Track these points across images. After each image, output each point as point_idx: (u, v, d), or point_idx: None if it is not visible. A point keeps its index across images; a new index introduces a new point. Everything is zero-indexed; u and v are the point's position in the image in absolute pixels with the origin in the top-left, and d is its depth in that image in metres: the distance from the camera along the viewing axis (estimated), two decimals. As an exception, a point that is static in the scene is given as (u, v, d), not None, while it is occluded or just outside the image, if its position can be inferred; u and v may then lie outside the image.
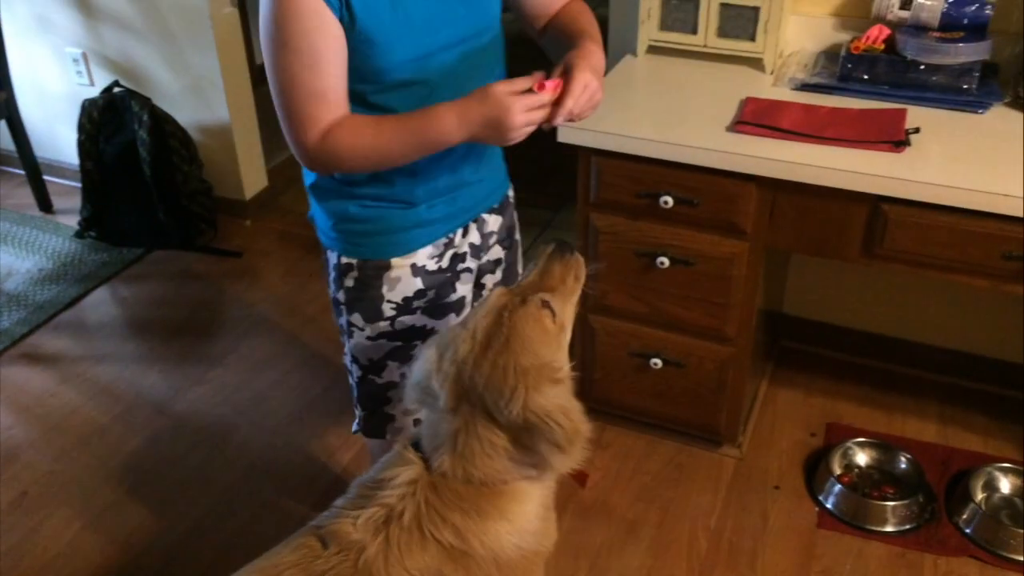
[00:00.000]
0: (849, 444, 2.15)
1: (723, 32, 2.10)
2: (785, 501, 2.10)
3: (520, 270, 1.72)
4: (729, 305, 1.97)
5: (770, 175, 1.77)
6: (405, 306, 1.51)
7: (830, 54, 2.10)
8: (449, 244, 1.53)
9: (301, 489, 2.16)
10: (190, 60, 2.98)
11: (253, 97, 3.17)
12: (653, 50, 2.20)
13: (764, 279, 2.02)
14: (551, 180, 3.52)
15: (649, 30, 2.16)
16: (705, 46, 2.13)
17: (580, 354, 2.20)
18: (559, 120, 1.30)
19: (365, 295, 1.50)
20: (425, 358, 1.26)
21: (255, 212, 3.26)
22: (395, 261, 1.48)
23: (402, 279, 1.49)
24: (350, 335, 1.56)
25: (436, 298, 1.54)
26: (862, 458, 2.15)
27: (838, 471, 2.10)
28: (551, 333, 1.25)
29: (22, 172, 3.28)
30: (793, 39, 2.16)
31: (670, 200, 1.89)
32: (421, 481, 1.24)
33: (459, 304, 1.58)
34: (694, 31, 2.13)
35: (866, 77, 1.97)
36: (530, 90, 1.28)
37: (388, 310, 1.51)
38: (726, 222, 1.88)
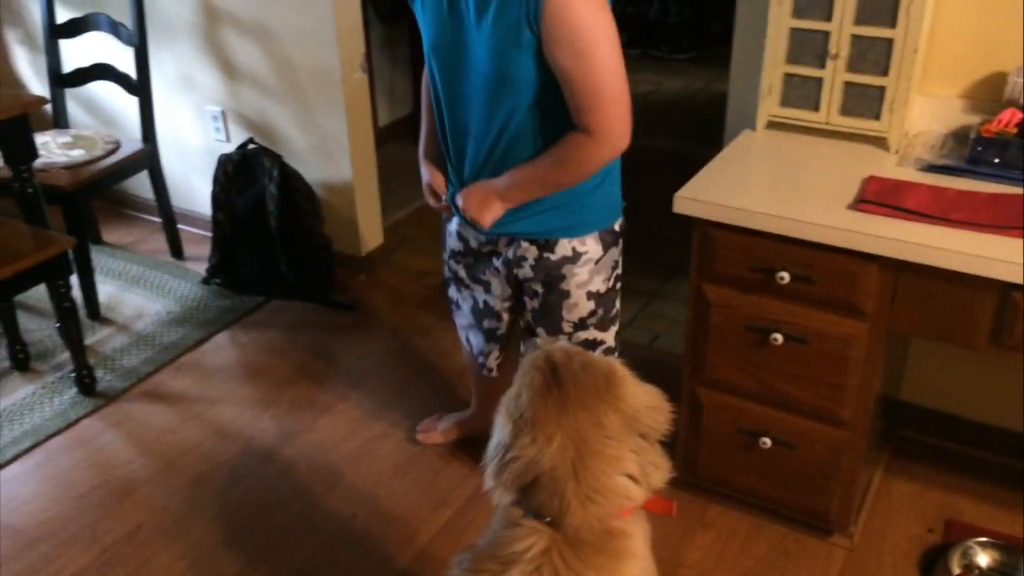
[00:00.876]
0: (970, 543, 2.04)
1: (846, 110, 2.09)
2: (898, 597, 2.00)
3: (564, 318, 1.92)
4: (845, 387, 1.92)
5: (894, 256, 1.73)
6: (451, 256, 2.05)
7: (958, 136, 2.05)
8: (489, 241, 1.93)
9: (402, 543, 2.18)
10: (320, 120, 3.14)
11: (375, 157, 3.30)
12: (773, 125, 2.20)
13: (883, 362, 1.96)
14: (661, 251, 3.52)
15: (770, 105, 2.17)
16: (827, 123, 2.12)
17: (685, 428, 2.17)
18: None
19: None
20: (501, 428, 1.31)
21: (370, 267, 3.37)
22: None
23: (451, 234, 2.02)
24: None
25: (474, 265, 2.01)
26: (983, 559, 2.03)
27: (957, 571, 1.99)
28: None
29: (159, 220, 3.48)
30: (919, 119, 2.13)
31: (786, 276, 1.86)
32: (554, 549, 1.23)
33: (487, 285, 2.02)
34: (816, 108, 2.12)
35: (997, 161, 1.91)
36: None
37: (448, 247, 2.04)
38: (845, 301, 1.84)
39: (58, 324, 2.67)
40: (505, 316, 2.07)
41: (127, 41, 3.12)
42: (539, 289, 1.90)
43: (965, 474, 2.31)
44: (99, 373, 2.79)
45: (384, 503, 2.31)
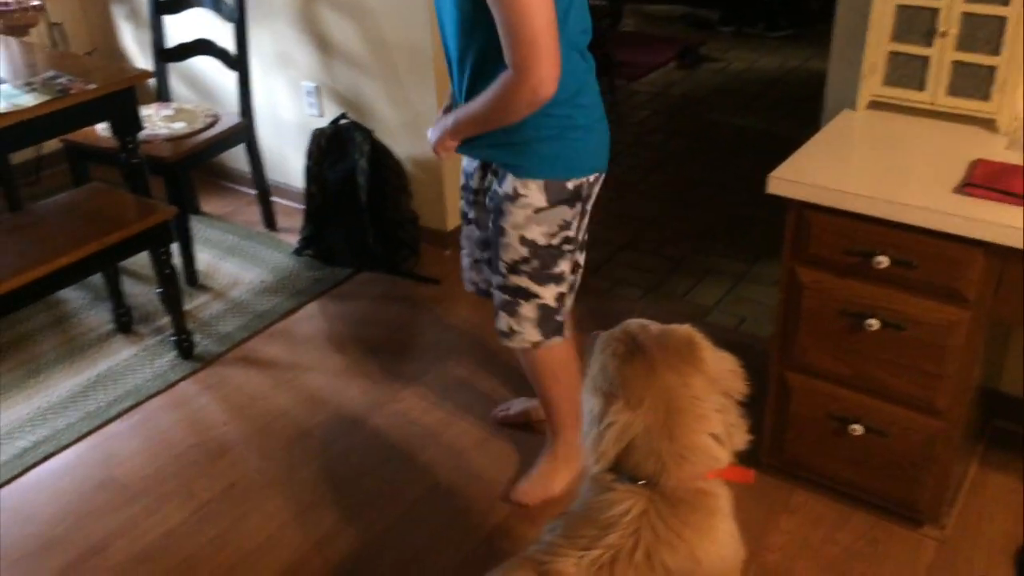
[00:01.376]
0: (1069, 540, 1.97)
1: (954, 90, 2.02)
2: (990, 593, 1.95)
3: (500, 256, 1.99)
4: (942, 376, 1.86)
5: (1001, 242, 1.67)
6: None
7: (1075, 118, 1.96)
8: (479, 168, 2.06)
9: (483, 513, 2.22)
10: (410, 97, 3.17)
11: (464, 134, 3.32)
12: (875, 105, 2.13)
13: (983, 352, 1.90)
14: (749, 233, 3.47)
15: (872, 84, 2.11)
16: (932, 104, 2.05)
17: (773, 412, 2.14)
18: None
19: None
20: (590, 402, 1.34)
21: (455, 243, 3.40)
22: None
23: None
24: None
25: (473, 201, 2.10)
26: (1084, 558, 1.96)
27: (1055, 568, 1.93)
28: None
29: (254, 192, 3.59)
30: (1033, 100, 2.04)
31: (884, 260, 1.82)
32: (651, 510, 1.26)
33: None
34: (921, 87, 2.05)
35: (1117, 144, 1.83)
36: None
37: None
38: (946, 288, 1.78)
39: (159, 290, 2.78)
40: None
41: (228, 17, 3.20)
42: (490, 222, 2.01)
43: (1066, 471, 2.23)
44: (197, 338, 2.90)
45: (466, 474, 2.35)
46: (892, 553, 2.05)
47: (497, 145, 1.89)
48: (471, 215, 2.16)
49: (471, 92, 1.86)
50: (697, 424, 1.28)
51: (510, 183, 1.90)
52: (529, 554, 1.30)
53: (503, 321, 2.05)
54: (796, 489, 2.21)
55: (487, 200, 2.02)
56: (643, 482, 1.28)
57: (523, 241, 1.93)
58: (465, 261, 2.26)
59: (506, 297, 2.01)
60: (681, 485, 1.27)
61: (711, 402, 1.30)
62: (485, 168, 2.05)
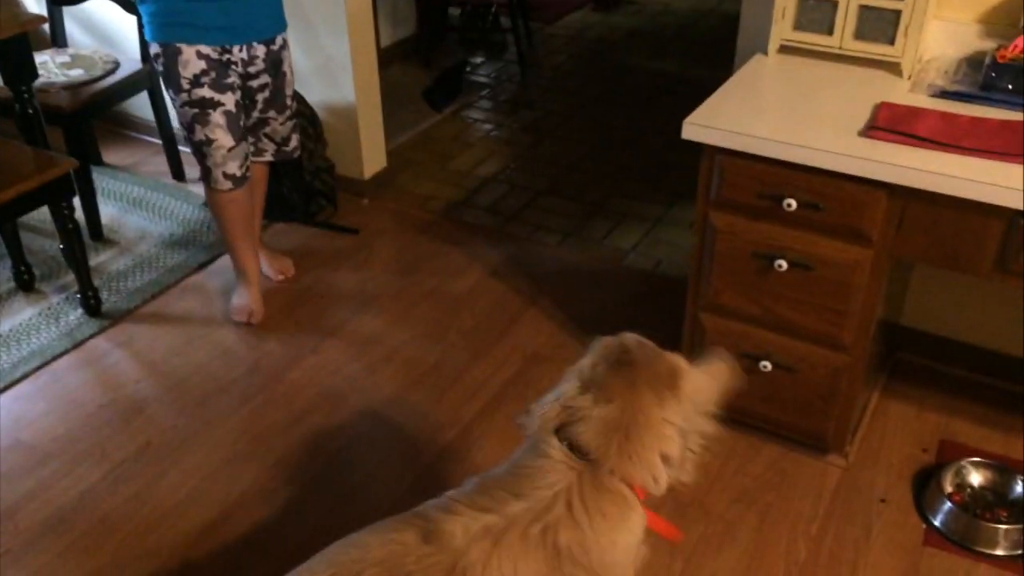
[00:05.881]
0: (963, 463, 2.09)
1: (860, 34, 2.06)
2: (891, 515, 2.06)
3: (289, 96, 2.60)
4: (847, 313, 1.94)
5: (903, 183, 1.73)
6: (195, 81, 2.35)
7: (973, 62, 2.03)
8: (225, 51, 2.36)
9: (404, 462, 2.23)
10: (322, 42, 3.08)
11: (379, 79, 3.25)
12: (785, 50, 2.16)
13: (885, 289, 1.98)
14: (665, 176, 3.51)
15: (783, 29, 2.13)
16: (840, 48, 2.09)
17: (688, 352, 2.19)
18: None
19: (169, 74, 2.37)
20: (567, 383, 1.39)
21: (373, 191, 3.35)
22: (184, 48, 2.31)
23: (191, 61, 2.33)
24: (173, 104, 2.46)
25: (217, 78, 2.36)
26: (976, 478, 2.08)
27: (949, 489, 2.05)
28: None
29: (159, 141, 3.45)
30: (934, 44, 2.10)
31: (793, 203, 1.87)
32: (574, 487, 1.27)
33: (233, 87, 2.42)
34: (830, 32, 2.09)
35: (1011, 88, 1.89)
36: None
37: (184, 84, 2.35)
38: (851, 228, 1.84)
39: (61, 246, 2.68)
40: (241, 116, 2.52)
41: (124, -44, 3.04)
42: (269, 83, 2.50)
43: (962, 397, 2.35)
44: (104, 294, 2.81)
45: (388, 425, 2.35)
46: (799, 481, 2.14)
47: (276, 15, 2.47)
48: (222, 85, 2.42)
49: None
50: (655, 441, 1.32)
51: (281, 33, 2.50)
52: (421, 510, 1.30)
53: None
54: (711, 426, 2.28)
55: (244, 71, 2.44)
56: (586, 458, 1.31)
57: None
58: (239, 151, 2.51)
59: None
60: (615, 475, 1.31)
61: (676, 426, 1.34)
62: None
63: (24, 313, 2.76)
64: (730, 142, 1.87)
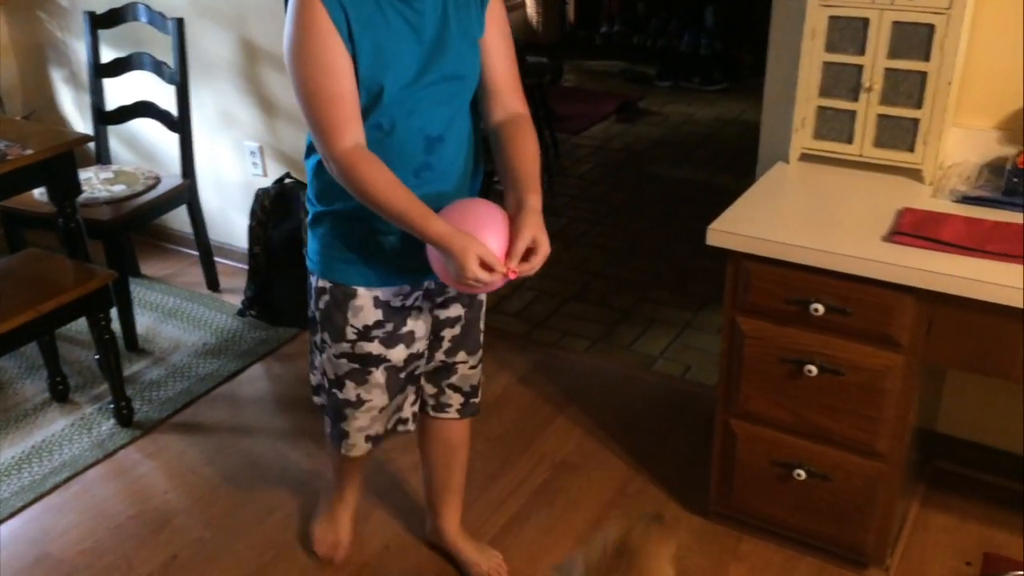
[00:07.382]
0: (1011, 577, 2.01)
1: (880, 142, 2.09)
2: (939, 634, 1.97)
3: (482, 329, 1.95)
4: (881, 419, 1.90)
5: (929, 287, 1.72)
6: (363, 333, 1.78)
7: (994, 167, 2.05)
8: (414, 290, 1.79)
9: (441, 563, 2.18)
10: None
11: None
12: (806, 158, 2.20)
13: (919, 394, 1.95)
14: (692, 282, 3.53)
15: (803, 138, 2.18)
16: (861, 155, 2.12)
17: (719, 459, 2.16)
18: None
19: (331, 318, 1.79)
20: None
21: (402, 299, 3.39)
22: (360, 291, 1.75)
23: (364, 308, 1.76)
24: (321, 350, 1.87)
25: (393, 330, 1.79)
26: (1026, 594, 1.99)
27: (999, 606, 1.96)
28: None
29: (196, 253, 3.54)
30: (954, 151, 2.13)
31: (820, 307, 1.86)
32: None
33: (409, 337, 1.82)
34: (850, 140, 2.13)
35: (1033, 191, 1.91)
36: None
37: (350, 334, 1.78)
38: (880, 333, 1.83)
39: (97, 356, 2.72)
40: (425, 352, 1.91)
41: (169, 80, 3.20)
42: (462, 314, 1.87)
43: (1003, 507, 2.27)
44: (136, 404, 2.83)
45: (417, 535, 2.31)
46: (842, 598, 2.06)
47: None
48: (397, 335, 1.80)
49: (467, 166, 1.71)
50: None
51: None
52: None
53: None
54: (744, 536, 2.22)
55: (433, 300, 1.83)
56: None
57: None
58: (387, 412, 1.91)
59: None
60: None
61: None
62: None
63: (57, 424, 2.79)
64: (755, 248, 1.89)
